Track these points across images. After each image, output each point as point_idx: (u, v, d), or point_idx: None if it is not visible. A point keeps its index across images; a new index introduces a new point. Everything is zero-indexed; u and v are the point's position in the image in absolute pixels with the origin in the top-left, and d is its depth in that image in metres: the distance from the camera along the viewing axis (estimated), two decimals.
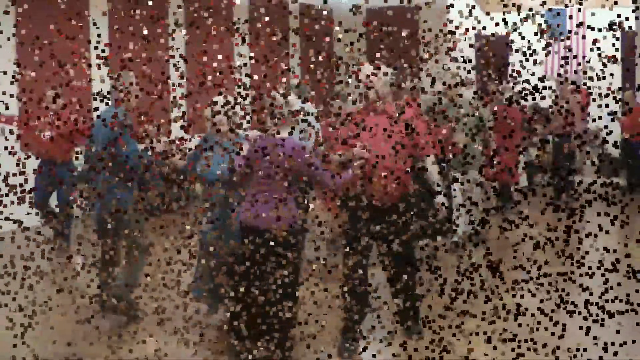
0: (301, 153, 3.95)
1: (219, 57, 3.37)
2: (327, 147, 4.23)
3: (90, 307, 4.76)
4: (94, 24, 4.67)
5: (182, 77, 3.42)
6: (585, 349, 2.88)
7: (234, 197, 4.55)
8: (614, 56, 2.75)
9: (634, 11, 2.89)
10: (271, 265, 3.87)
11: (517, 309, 2.92)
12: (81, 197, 3.54)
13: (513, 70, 2.94)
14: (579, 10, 2.86)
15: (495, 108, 8.25)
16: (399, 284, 4.21)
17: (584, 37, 2.88)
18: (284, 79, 4.60)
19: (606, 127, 2.93)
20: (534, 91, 2.78)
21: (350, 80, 4.26)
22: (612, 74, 2.80)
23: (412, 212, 4.25)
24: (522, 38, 2.90)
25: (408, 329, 4.45)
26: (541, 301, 3.04)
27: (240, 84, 3.31)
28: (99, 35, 3.72)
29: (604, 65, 2.77)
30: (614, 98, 2.99)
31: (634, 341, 3.01)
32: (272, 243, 3.86)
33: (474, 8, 3.10)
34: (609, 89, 2.81)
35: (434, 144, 4.39)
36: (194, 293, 4.82)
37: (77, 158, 4.62)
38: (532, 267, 2.99)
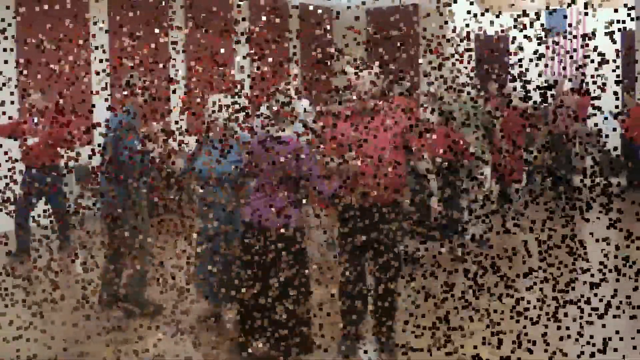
0: (301, 153, 3.95)
1: (219, 58, 3.38)
2: (324, 150, 4.20)
3: (91, 306, 4.77)
4: (95, 23, 4.69)
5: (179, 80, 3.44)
6: (583, 348, 2.89)
7: (233, 196, 4.57)
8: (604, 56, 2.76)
9: (628, 14, 2.89)
10: (275, 264, 3.87)
11: (518, 309, 2.93)
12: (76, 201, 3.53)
13: (520, 72, 2.94)
14: (586, 14, 2.86)
15: (489, 106, 8.26)
16: (380, 290, 4.17)
17: (583, 45, 2.89)
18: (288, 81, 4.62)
19: (600, 129, 2.94)
20: (545, 91, 2.80)
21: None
22: (614, 71, 2.82)
23: (404, 215, 4.21)
24: (529, 40, 2.91)
25: (380, 343, 4.32)
26: (543, 302, 3.04)
27: (238, 84, 3.32)
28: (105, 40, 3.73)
29: (599, 63, 2.77)
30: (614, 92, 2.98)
31: (632, 338, 3.02)
32: (275, 241, 3.86)
33: (483, 14, 3.11)
34: (599, 86, 2.82)
35: (426, 145, 4.34)
36: (196, 287, 4.85)
37: (77, 160, 4.60)
38: (533, 269, 3.00)
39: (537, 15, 2.88)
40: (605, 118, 3.44)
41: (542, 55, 2.80)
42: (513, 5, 2.91)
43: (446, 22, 3.19)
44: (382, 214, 4.09)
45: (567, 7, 2.80)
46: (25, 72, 3.54)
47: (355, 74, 4.10)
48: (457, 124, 6.42)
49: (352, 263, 4.18)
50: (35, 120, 6.99)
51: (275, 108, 4.07)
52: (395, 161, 4.06)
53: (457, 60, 3.10)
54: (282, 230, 3.91)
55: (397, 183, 4.11)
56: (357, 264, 4.22)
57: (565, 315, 2.94)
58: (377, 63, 4.10)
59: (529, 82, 2.85)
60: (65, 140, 6.83)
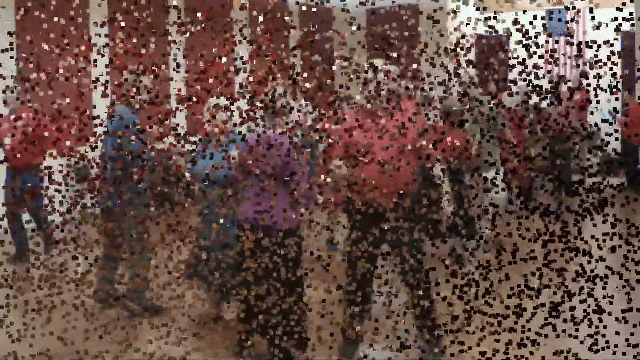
0: (293, 152, 3.94)
1: (218, 58, 3.38)
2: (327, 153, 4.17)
3: (92, 305, 4.78)
4: (96, 25, 4.72)
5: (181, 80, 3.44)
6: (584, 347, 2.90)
7: (226, 195, 4.58)
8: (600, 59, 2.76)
9: (623, 18, 2.90)
10: (271, 262, 3.86)
11: (521, 310, 2.94)
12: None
13: (522, 71, 2.94)
14: (592, 17, 2.85)
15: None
16: (414, 293, 4.10)
17: (584, 47, 2.89)
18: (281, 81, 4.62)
19: (598, 130, 2.95)
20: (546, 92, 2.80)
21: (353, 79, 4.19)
22: (614, 72, 2.82)
23: (414, 216, 4.14)
24: (530, 39, 2.90)
25: (427, 342, 4.23)
26: (542, 304, 3.05)
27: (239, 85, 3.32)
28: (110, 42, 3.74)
29: (596, 63, 2.78)
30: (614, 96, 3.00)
31: (631, 333, 3.02)
32: (271, 239, 3.86)
33: (490, 18, 3.10)
34: (591, 86, 2.83)
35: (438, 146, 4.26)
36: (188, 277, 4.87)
37: (77, 162, 4.59)
38: (536, 270, 3.01)
39: (538, 17, 2.89)
40: (604, 120, 3.44)
41: (554, 58, 2.80)
42: (523, 9, 2.91)
43: (457, 29, 3.19)
44: (390, 218, 4.03)
45: (567, 11, 2.81)
46: (25, 72, 3.54)
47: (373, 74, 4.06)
48: (469, 125, 6.42)
49: (359, 266, 4.13)
50: (13, 118, 6.77)
51: (265, 104, 4.05)
52: (407, 163, 4.01)
53: (465, 65, 3.09)
54: (275, 228, 3.90)
55: (406, 187, 4.04)
56: (364, 266, 4.17)
57: (559, 314, 2.95)
58: (382, 63, 4.06)
59: (539, 85, 2.86)
60: (45, 140, 6.68)
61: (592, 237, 2.97)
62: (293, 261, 3.95)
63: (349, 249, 4.20)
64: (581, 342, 2.91)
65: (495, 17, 3.11)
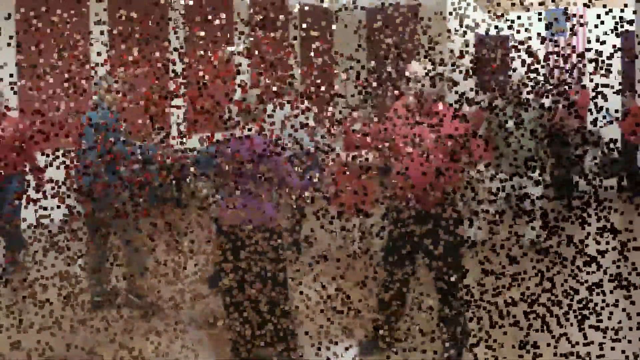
0: (270, 148, 3.92)
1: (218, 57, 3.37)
2: (345, 145, 4.14)
3: (90, 304, 4.77)
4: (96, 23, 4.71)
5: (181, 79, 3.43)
6: (587, 353, 2.89)
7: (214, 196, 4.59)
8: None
9: (621, 19, 2.89)
10: (248, 264, 3.84)
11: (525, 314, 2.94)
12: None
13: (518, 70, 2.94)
14: (599, 21, 2.84)
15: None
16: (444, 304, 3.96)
17: (583, 48, 2.88)
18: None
19: (598, 127, 2.95)
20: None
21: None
22: (613, 72, 2.82)
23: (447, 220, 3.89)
24: (529, 38, 2.90)
25: (458, 353, 4.06)
26: (542, 304, 3.05)
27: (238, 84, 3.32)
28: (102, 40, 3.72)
29: (595, 64, 2.77)
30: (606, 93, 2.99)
31: (631, 329, 3.02)
32: (248, 240, 3.84)
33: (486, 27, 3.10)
34: (597, 86, 2.82)
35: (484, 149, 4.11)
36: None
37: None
38: (537, 272, 3.00)
39: (539, 18, 2.88)
40: (604, 116, 3.43)
41: (556, 59, 2.80)
42: (522, 8, 2.91)
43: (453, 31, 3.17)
44: (429, 218, 3.89)
45: (567, 13, 2.81)
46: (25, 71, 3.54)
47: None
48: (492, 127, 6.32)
49: (395, 271, 4.04)
50: None
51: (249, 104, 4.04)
52: (445, 167, 3.90)
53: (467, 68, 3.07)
54: (250, 229, 3.89)
55: (440, 185, 3.85)
56: (400, 272, 4.06)
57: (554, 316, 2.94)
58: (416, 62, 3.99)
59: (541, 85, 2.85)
60: (22, 142, 6.41)
61: (591, 238, 2.97)
62: (275, 261, 3.92)
63: (387, 252, 4.09)
64: (583, 339, 2.91)
65: (502, 11, 3.10)
